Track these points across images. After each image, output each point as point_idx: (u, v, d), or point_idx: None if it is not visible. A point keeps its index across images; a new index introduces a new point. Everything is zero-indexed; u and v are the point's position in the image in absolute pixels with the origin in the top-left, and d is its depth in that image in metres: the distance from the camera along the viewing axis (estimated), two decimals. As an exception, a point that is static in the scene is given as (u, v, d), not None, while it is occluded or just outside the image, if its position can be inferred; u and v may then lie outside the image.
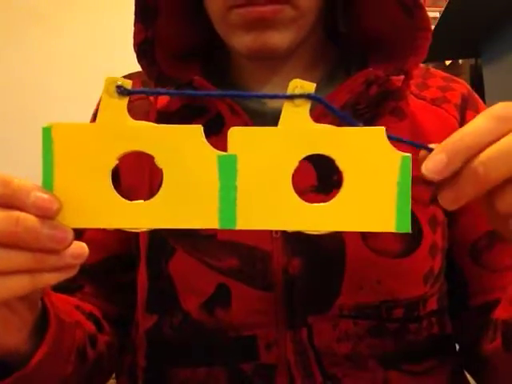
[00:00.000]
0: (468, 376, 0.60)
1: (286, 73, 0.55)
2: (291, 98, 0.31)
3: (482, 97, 1.46)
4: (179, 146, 0.32)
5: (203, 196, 0.32)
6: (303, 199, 0.53)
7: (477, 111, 0.57)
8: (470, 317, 0.57)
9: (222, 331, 0.51)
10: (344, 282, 0.49)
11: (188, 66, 0.56)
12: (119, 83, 0.31)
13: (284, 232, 0.49)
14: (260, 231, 0.49)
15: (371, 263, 0.50)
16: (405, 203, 0.31)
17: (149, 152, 0.32)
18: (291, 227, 0.32)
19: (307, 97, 0.31)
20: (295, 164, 0.32)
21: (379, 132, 0.31)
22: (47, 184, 0.32)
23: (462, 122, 0.55)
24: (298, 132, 0.31)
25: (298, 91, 0.31)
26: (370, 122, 0.53)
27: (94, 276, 0.59)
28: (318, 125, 0.32)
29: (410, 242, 0.50)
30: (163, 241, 0.52)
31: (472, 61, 1.65)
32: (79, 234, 0.61)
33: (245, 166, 0.31)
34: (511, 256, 0.55)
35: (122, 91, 0.31)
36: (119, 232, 0.57)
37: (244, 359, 0.50)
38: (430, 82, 0.58)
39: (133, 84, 0.61)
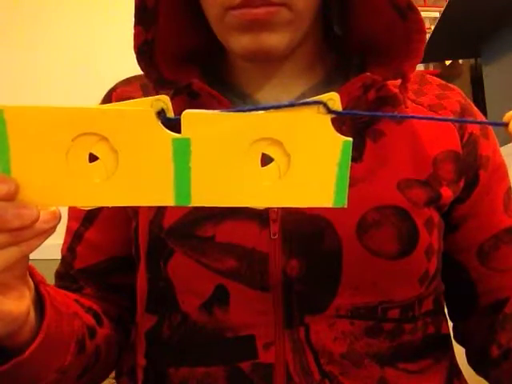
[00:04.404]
0: (466, 376, 0.60)
1: (283, 75, 0.55)
2: (304, 104, 0.34)
3: (482, 97, 1.46)
4: (133, 129, 0.33)
5: (158, 177, 0.33)
6: None
7: (475, 116, 0.58)
8: (481, 316, 0.58)
9: (220, 331, 0.51)
10: (341, 283, 0.50)
11: (187, 68, 0.56)
12: (164, 108, 0.33)
13: (282, 234, 0.50)
14: (258, 233, 0.50)
15: (368, 264, 0.50)
16: (343, 182, 0.35)
17: (103, 134, 0.33)
18: (242, 203, 0.35)
19: (317, 103, 0.33)
20: (246, 147, 0.34)
21: (324, 118, 0.34)
22: (4, 167, 0.33)
23: (462, 128, 0.56)
24: (248, 117, 0.33)
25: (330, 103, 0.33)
26: (368, 125, 0.53)
27: (93, 278, 0.60)
28: (268, 112, 0.34)
29: (406, 243, 0.51)
30: (162, 242, 0.52)
31: (472, 61, 1.65)
32: (78, 237, 0.61)
33: (198, 148, 0.33)
34: None
35: (162, 116, 0.33)
36: (119, 234, 0.58)
37: (242, 358, 0.51)
38: (426, 88, 0.59)
39: (131, 88, 0.61)
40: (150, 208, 0.53)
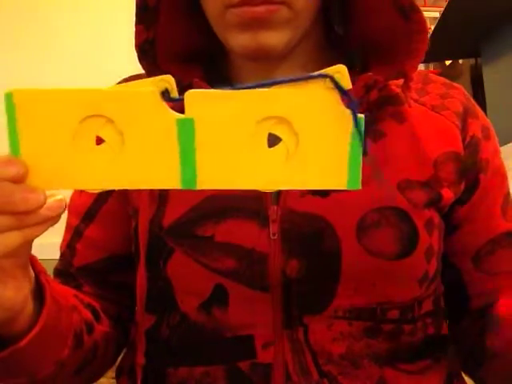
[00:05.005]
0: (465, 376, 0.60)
1: (283, 74, 0.55)
2: (314, 77, 0.32)
3: (482, 97, 1.46)
4: (138, 110, 0.32)
5: (164, 158, 0.33)
6: (302, 201, 0.52)
7: (477, 118, 0.58)
8: (473, 319, 0.58)
9: (219, 331, 0.51)
10: (340, 284, 0.50)
11: (189, 67, 0.56)
12: (167, 88, 0.32)
13: (281, 234, 0.50)
14: (258, 233, 0.50)
15: (367, 265, 0.50)
16: (356, 162, 0.32)
17: (108, 116, 0.32)
18: (249, 186, 0.33)
19: (325, 76, 0.32)
20: (252, 126, 0.32)
21: (332, 93, 0.32)
22: (14, 149, 0.33)
23: (464, 129, 0.56)
24: (253, 95, 0.32)
25: (337, 76, 0.31)
26: (370, 124, 0.53)
27: (92, 276, 0.60)
28: (274, 88, 0.32)
29: (406, 244, 0.51)
30: (162, 242, 0.52)
31: (472, 61, 1.65)
32: (78, 234, 0.61)
33: (202, 129, 0.32)
34: (509, 261, 0.57)
35: (166, 96, 0.32)
36: (119, 232, 0.58)
37: (241, 358, 0.50)
38: (430, 88, 0.58)
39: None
40: (150, 207, 0.53)
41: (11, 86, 0.32)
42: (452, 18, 1.36)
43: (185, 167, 0.33)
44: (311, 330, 0.50)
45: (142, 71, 0.55)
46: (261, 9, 0.47)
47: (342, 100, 0.32)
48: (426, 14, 1.83)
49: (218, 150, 0.33)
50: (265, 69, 0.55)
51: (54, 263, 0.62)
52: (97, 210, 0.59)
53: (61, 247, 0.61)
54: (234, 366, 0.50)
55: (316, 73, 0.32)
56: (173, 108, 0.33)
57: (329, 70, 0.32)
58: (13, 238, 0.33)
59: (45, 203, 0.33)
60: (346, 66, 0.56)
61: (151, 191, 0.54)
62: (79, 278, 0.59)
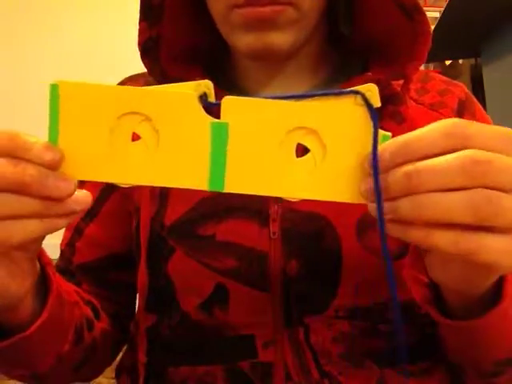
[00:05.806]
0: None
1: (287, 75, 0.55)
2: (340, 93, 0.33)
3: (482, 97, 1.46)
4: (175, 111, 0.33)
5: (195, 159, 0.34)
6: (303, 200, 0.53)
7: (473, 115, 0.57)
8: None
9: (220, 330, 0.51)
10: (340, 284, 0.50)
11: (191, 66, 0.56)
12: (206, 92, 0.33)
13: (281, 233, 0.50)
14: (258, 232, 0.50)
15: (367, 265, 0.50)
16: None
17: (146, 114, 0.33)
18: (275, 193, 0.34)
19: (355, 92, 0.33)
20: (282, 135, 0.34)
21: (362, 109, 0.33)
22: (53, 138, 0.33)
23: None
24: (287, 105, 0.33)
25: (368, 94, 0.33)
26: None
27: (91, 274, 0.60)
28: (307, 101, 0.34)
29: (406, 244, 0.50)
30: (163, 241, 0.52)
31: (472, 61, 1.65)
32: (79, 233, 0.61)
33: (235, 134, 0.33)
34: None
35: (203, 100, 0.33)
36: (119, 231, 0.58)
37: (242, 357, 0.50)
38: (429, 86, 0.58)
39: (136, 85, 0.61)
40: (151, 205, 0.53)
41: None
42: (452, 18, 1.36)
43: (214, 169, 0.34)
44: (312, 329, 0.50)
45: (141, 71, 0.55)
46: (266, 9, 0.47)
47: (371, 117, 0.33)
48: (426, 14, 1.84)
49: (247, 156, 0.34)
50: (269, 70, 0.55)
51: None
52: (98, 209, 0.59)
53: (61, 245, 0.61)
54: (235, 365, 0.50)
55: (348, 89, 0.33)
56: (209, 113, 0.34)
57: (360, 88, 0.33)
58: (33, 227, 0.33)
59: (73, 192, 0.33)
60: (347, 67, 0.57)
61: (153, 189, 0.54)
62: (78, 276, 0.60)
